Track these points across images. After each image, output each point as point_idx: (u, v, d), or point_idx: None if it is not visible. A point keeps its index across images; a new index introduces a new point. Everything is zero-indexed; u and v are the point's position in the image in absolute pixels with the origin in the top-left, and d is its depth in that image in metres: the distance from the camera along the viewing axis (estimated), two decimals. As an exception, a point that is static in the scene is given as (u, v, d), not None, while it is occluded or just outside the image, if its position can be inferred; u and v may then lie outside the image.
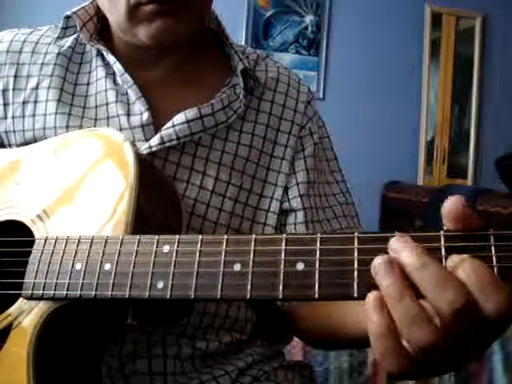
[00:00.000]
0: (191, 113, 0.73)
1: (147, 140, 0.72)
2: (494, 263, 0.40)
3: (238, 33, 2.85)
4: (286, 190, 0.78)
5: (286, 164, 0.78)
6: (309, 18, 3.00)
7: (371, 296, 0.42)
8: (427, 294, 0.40)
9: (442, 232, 0.42)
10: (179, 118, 0.73)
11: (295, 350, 1.43)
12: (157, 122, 0.73)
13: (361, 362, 1.54)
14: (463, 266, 0.40)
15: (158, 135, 0.72)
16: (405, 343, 0.41)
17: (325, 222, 0.79)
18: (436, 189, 2.61)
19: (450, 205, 0.42)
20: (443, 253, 0.41)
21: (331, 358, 1.51)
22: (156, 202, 0.63)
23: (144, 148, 0.71)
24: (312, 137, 0.81)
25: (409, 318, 0.40)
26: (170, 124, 0.72)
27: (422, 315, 0.40)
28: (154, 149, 0.71)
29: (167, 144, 0.72)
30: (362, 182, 2.49)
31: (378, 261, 0.42)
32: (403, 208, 2.57)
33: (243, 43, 2.84)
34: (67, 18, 0.78)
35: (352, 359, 1.54)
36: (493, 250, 0.40)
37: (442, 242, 0.42)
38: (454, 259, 0.41)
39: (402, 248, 0.41)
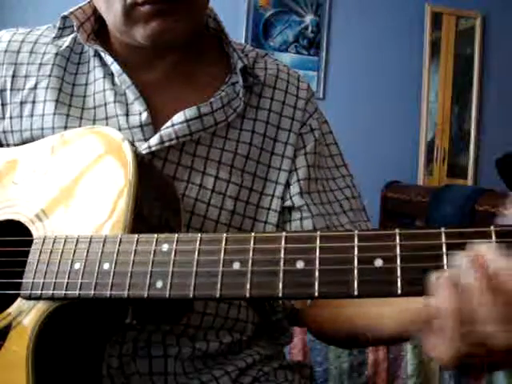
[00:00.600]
0: (190, 112, 0.73)
1: (146, 140, 0.72)
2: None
3: (237, 32, 2.85)
4: (287, 187, 0.78)
5: (287, 161, 0.78)
6: (309, 18, 3.00)
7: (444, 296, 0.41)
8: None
9: (442, 229, 0.42)
10: (178, 117, 0.72)
11: (295, 350, 1.43)
12: (156, 121, 0.73)
13: (361, 362, 1.54)
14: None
15: (157, 135, 0.71)
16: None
17: (333, 217, 0.79)
18: (436, 189, 2.61)
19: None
20: (444, 249, 0.41)
21: (331, 358, 1.51)
22: (155, 202, 0.63)
23: (143, 148, 0.71)
24: (313, 133, 0.80)
25: (496, 317, 0.40)
26: (169, 123, 0.72)
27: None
28: (153, 148, 0.71)
29: (167, 144, 0.71)
30: (361, 182, 2.49)
31: (464, 255, 0.41)
32: (403, 208, 2.57)
33: (243, 43, 2.84)
34: (64, 18, 0.78)
35: (352, 359, 1.53)
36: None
37: (443, 240, 0.42)
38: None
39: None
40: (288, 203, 0.77)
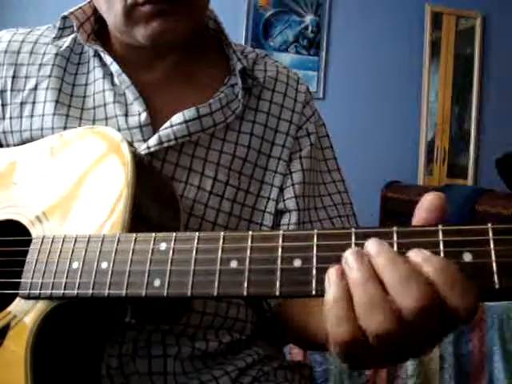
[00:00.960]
0: (189, 113, 0.73)
1: (145, 140, 0.72)
2: (493, 257, 0.40)
3: (237, 33, 2.85)
4: (281, 190, 0.78)
5: (283, 164, 0.78)
6: (309, 18, 3.00)
7: (333, 283, 0.42)
8: (392, 290, 0.41)
9: (440, 226, 0.42)
10: (177, 118, 0.72)
11: (295, 349, 1.43)
12: (155, 122, 0.73)
13: (361, 362, 1.53)
14: (432, 264, 0.40)
15: (156, 135, 0.71)
16: (363, 328, 0.42)
17: (317, 223, 0.79)
18: (436, 189, 2.61)
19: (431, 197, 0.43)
20: (441, 247, 0.41)
21: (331, 358, 1.51)
22: (153, 202, 0.63)
23: (142, 148, 0.71)
24: (309, 137, 0.80)
25: (369, 302, 0.41)
26: (168, 124, 0.72)
27: (382, 302, 0.41)
28: (152, 149, 0.71)
29: (165, 144, 0.71)
30: (362, 182, 2.49)
31: (350, 251, 0.43)
32: (403, 208, 2.57)
33: (243, 43, 2.84)
34: (64, 18, 0.78)
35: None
36: (491, 244, 0.40)
37: (440, 237, 0.42)
38: (419, 255, 0.41)
39: (375, 248, 0.42)
40: (280, 206, 0.78)
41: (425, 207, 0.43)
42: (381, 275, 0.41)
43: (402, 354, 0.44)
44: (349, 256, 0.42)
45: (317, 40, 3.00)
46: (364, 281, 0.41)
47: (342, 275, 0.42)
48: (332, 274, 0.43)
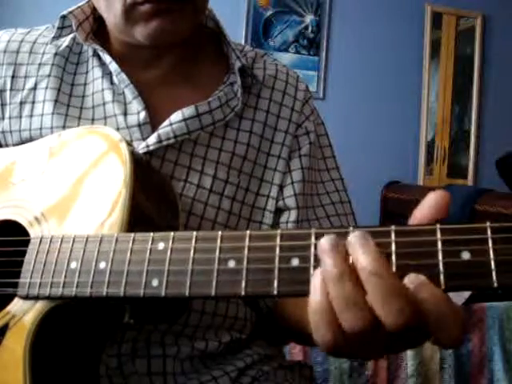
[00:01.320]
0: (188, 111, 0.73)
1: (144, 139, 0.72)
2: (492, 256, 0.40)
3: (237, 32, 2.85)
4: (281, 188, 0.78)
5: (282, 162, 0.78)
6: (309, 18, 2.99)
7: (315, 274, 0.43)
8: (374, 303, 0.40)
9: (438, 225, 0.42)
10: (176, 116, 0.72)
11: (295, 350, 1.43)
12: (154, 121, 0.73)
13: (361, 363, 1.54)
14: (422, 289, 0.40)
15: (155, 134, 0.71)
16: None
17: (315, 222, 0.79)
18: (436, 189, 2.60)
19: (437, 195, 0.44)
20: (439, 246, 0.41)
21: (331, 358, 1.51)
22: (152, 202, 0.63)
23: (141, 147, 0.71)
24: (308, 136, 0.80)
25: (343, 299, 0.41)
26: (167, 122, 0.72)
27: (357, 299, 0.41)
28: (151, 148, 0.71)
29: (164, 143, 0.71)
30: (362, 182, 2.49)
31: (324, 240, 0.42)
32: (403, 208, 2.56)
33: (243, 43, 2.82)
34: (63, 17, 0.78)
35: (352, 359, 1.53)
36: (490, 243, 0.40)
37: (439, 236, 0.42)
38: (411, 279, 0.41)
39: (360, 246, 0.42)
40: (280, 204, 0.78)
41: (428, 205, 0.43)
42: (365, 284, 0.41)
43: (377, 351, 0.45)
44: (324, 248, 0.42)
45: (317, 40, 3.00)
46: (339, 277, 0.41)
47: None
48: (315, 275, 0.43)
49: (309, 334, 0.63)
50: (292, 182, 0.78)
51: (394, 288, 0.40)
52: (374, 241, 0.42)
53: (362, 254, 0.41)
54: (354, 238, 0.42)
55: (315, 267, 0.44)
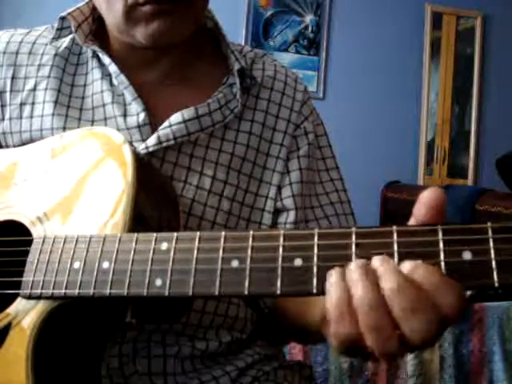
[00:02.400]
0: (188, 112, 0.73)
1: (144, 140, 0.72)
2: (493, 256, 0.40)
3: (237, 32, 2.85)
4: (279, 189, 0.78)
5: (281, 163, 0.78)
6: (309, 18, 3.00)
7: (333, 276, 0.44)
8: (391, 302, 0.42)
9: (439, 225, 0.42)
10: (176, 117, 0.72)
11: (295, 350, 1.43)
12: (153, 122, 0.73)
13: (361, 362, 1.54)
14: (418, 272, 0.42)
15: (154, 135, 0.71)
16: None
17: (314, 222, 0.79)
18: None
19: (432, 193, 0.44)
20: (441, 246, 0.42)
21: (331, 358, 1.51)
22: (154, 202, 0.63)
23: (141, 148, 0.71)
24: (307, 136, 0.80)
25: (374, 325, 0.42)
26: (166, 124, 0.72)
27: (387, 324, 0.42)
28: (150, 149, 0.71)
29: (164, 144, 0.71)
30: (362, 182, 2.49)
31: (354, 264, 0.44)
32: (403, 208, 2.56)
33: (243, 43, 2.84)
34: (62, 18, 0.78)
35: (352, 359, 1.53)
36: (491, 243, 0.40)
37: (440, 236, 0.42)
38: (407, 266, 0.43)
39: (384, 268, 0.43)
40: (278, 205, 0.78)
41: (424, 203, 0.44)
42: (388, 299, 0.42)
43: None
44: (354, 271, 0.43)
45: (317, 40, 3.00)
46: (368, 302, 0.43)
47: (343, 276, 0.43)
48: (331, 275, 0.44)
49: (312, 332, 0.64)
50: (290, 183, 0.78)
51: (402, 281, 0.42)
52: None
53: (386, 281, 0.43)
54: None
55: (318, 267, 0.44)
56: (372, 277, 0.43)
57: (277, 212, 0.78)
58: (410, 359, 1.56)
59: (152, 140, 0.71)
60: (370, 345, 0.43)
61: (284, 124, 0.79)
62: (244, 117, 0.77)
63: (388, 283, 0.42)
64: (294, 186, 0.78)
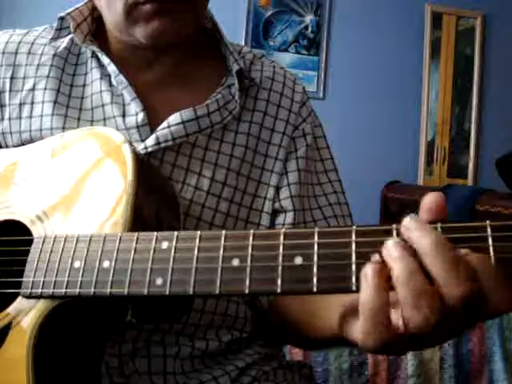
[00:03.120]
0: (187, 113, 0.73)
1: (143, 141, 0.72)
2: (492, 254, 0.40)
3: (237, 32, 2.85)
4: (277, 190, 0.78)
5: (279, 164, 0.78)
6: (309, 18, 2.99)
7: (370, 273, 0.42)
8: (439, 277, 0.41)
9: (438, 224, 0.42)
10: (174, 118, 0.72)
11: (295, 349, 1.43)
12: (152, 122, 0.73)
13: (361, 363, 1.54)
14: (472, 257, 0.40)
15: (153, 135, 0.71)
16: (396, 320, 0.42)
17: (312, 224, 0.79)
18: (436, 189, 2.61)
19: (431, 197, 0.44)
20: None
21: (331, 358, 1.51)
22: (154, 202, 0.63)
23: (140, 149, 0.71)
24: (305, 138, 0.80)
25: (417, 293, 0.41)
26: (165, 124, 0.72)
27: (430, 292, 0.41)
28: (149, 149, 0.71)
29: (163, 145, 0.71)
30: (362, 181, 2.49)
31: (392, 241, 0.42)
32: (403, 208, 2.56)
33: (243, 43, 2.84)
34: (62, 18, 0.78)
35: (352, 359, 1.54)
36: (490, 241, 0.41)
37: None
38: (461, 250, 0.41)
39: (416, 228, 0.42)
40: (276, 206, 0.78)
41: (425, 209, 0.44)
42: (426, 263, 0.41)
43: (429, 341, 0.44)
44: (392, 248, 0.42)
45: (317, 40, 3.00)
46: (411, 273, 0.41)
47: (380, 272, 0.42)
48: (368, 271, 0.43)
49: (321, 335, 0.63)
50: (288, 184, 0.78)
51: (456, 260, 0.40)
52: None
53: (420, 235, 0.42)
54: (408, 221, 0.43)
55: (318, 266, 0.44)
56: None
57: (275, 213, 0.78)
58: (410, 359, 1.56)
59: (151, 140, 0.71)
60: (407, 315, 0.41)
61: (282, 125, 0.79)
62: (242, 118, 0.77)
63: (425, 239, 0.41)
64: (292, 187, 0.78)
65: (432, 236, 0.41)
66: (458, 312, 0.41)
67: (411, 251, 0.42)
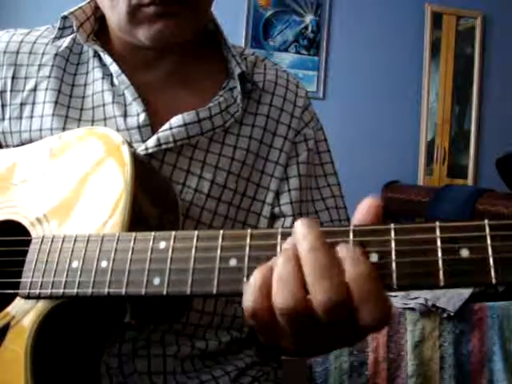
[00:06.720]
0: (189, 116, 0.73)
1: (144, 141, 0.72)
2: (490, 253, 0.40)
3: (238, 32, 2.84)
4: (277, 195, 0.78)
5: (280, 169, 0.78)
6: (309, 18, 2.99)
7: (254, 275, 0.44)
8: (308, 280, 0.42)
9: (437, 223, 0.42)
10: (177, 120, 0.72)
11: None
12: (154, 123, 0.73)
13: (361, 362, 1.54)
14: (348, 265, 0.42)
15: (154, 137, 0.71)
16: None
17: None
18: (436, 189, 2.61)
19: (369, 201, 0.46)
20: (439, 243, 0.42)
21: (331, 358, 1.51)
22: (153, 202, 0.63)
23: (140, 149, 0.71)
24: (307, 143, 0.80)
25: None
26: (167, 126, 0.72)
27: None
28: (150, 150, 0.71)
29: (164, 146, 0.71)
30: (361, 181, 2.49)
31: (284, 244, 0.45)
32: (403, 208, 2.56)
33: (243, 43, 2.83)
34: (64, 18, 0.78)
35: (352, 359, 1.54)
36: (488, 240, 0.40)
37: (438, 233, 0.42)
38: (348, 251, 0.43)
39: (302, 230, 0.44)
40: (276, 210, 0.77)
41: (360, 210, 0.46)
42: (301, 261, 0.42)
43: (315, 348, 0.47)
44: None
45: (317, 40, 3.00)
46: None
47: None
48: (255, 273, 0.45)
49: None
50: (289, 190, 0.78)
51: (327, 263, 0.42)
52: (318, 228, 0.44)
53: (302, 236, 0.43)
54: (298, 224, 0.44)
55: None
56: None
57: (273, 217, 0.78)
58: (409, 359, 1.56)
59: (152, 141, 0.71)
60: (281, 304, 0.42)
61: (284, 129, 0.79)
62: (244, 121, 0.77)
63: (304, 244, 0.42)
64: (293, 192, 0.78)
65: (307, 239, 0.43)
66: (321, 321, 0.42)
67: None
